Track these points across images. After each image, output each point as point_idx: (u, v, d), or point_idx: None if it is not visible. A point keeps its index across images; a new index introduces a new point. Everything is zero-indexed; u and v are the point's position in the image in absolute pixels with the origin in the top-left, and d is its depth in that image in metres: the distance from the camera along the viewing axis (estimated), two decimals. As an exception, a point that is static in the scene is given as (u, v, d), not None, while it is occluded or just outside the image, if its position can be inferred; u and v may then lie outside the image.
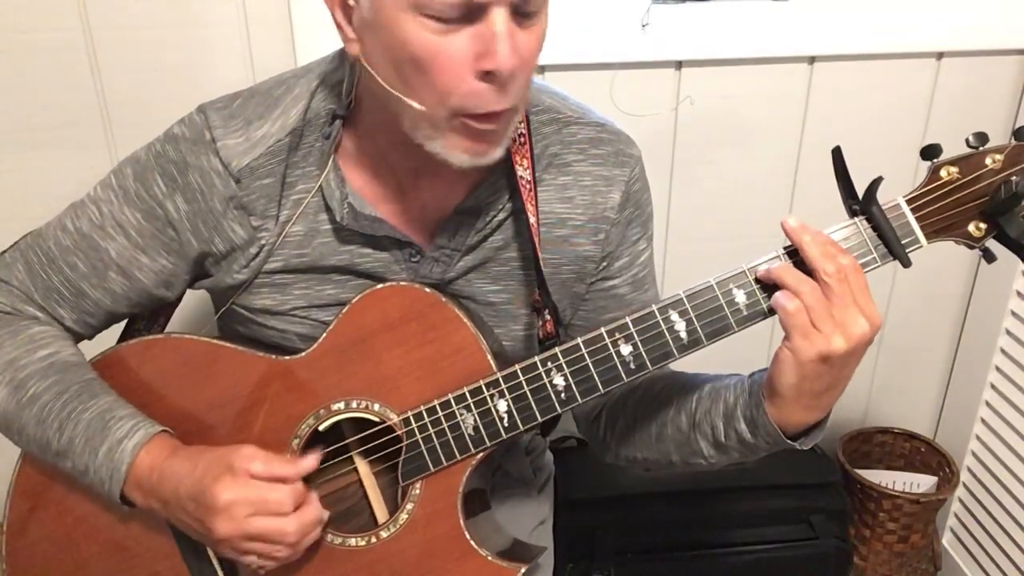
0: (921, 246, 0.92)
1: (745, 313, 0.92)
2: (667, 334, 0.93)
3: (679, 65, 1.62)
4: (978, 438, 1.87)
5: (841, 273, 0.86)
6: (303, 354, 1.01)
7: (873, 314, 0.88)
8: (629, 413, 1.12)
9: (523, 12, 0.83)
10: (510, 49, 0.82)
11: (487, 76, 0.83)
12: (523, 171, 1.01)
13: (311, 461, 0.98)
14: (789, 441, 0.95)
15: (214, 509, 0.93)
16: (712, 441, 1.02)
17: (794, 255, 0.90)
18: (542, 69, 1.58)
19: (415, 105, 0.86)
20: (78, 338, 1.10)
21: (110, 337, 1.13)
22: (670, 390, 1.07)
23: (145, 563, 1.05)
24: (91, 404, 1.00)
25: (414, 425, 0.99)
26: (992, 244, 0.93)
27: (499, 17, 0.81)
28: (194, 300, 1.22)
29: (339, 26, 0.90)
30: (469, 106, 0.85)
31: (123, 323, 1.15)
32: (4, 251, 1.08)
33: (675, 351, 0.93)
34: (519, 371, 0.96)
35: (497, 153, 0.91)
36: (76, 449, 0.98)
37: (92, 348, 1.08)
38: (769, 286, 0.91)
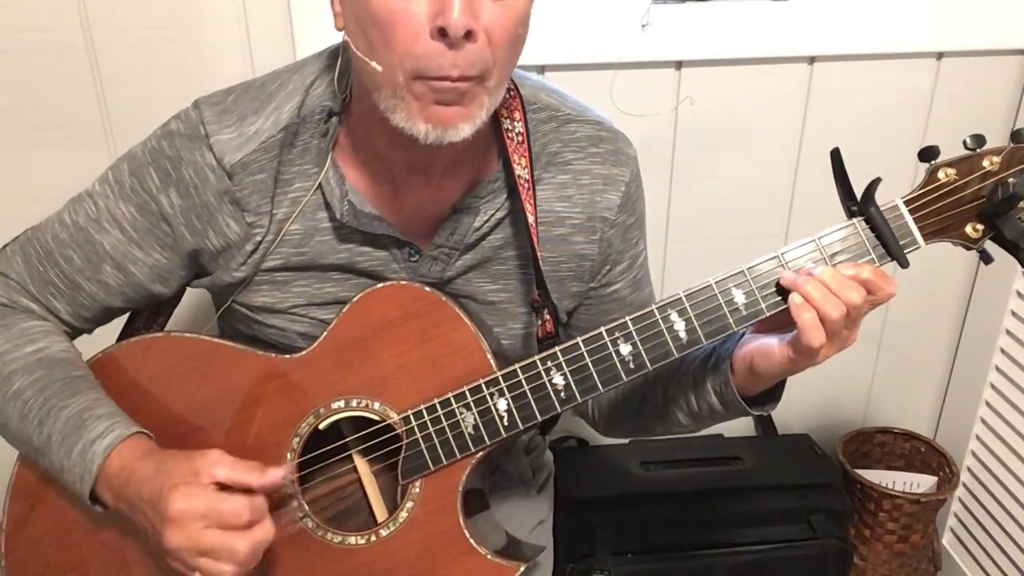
0: (919, 247, 0.92)
1: (744, 313, 0.93)
2: (666, 334, 0.93)
3: (679, 65, 1.62)
4: (978, 438, 1.87)
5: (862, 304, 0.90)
6: (303, 353, 1.02)
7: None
8: (611, 391, 1.13)
9: None
10: (463, 8, 0.81)
11: (441, 35, 0.82)
12: (521, 170, 1.01)
13: (280, 472, 0.95)
14: (754, 412, 1.01)
15: (166, 518, 0.90)
16: (687, 412, 1.07)
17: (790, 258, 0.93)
18: (542, 69, 1.58)
19: (375, 66, 0.86)
20: (75, 332, 1.10)
21: (110, 335, 1.13)
22: None
23: (142, 561, 1.05)
24: (71, 402, 0.99)
25: (414, 424, 0.99)
26: (989, 245, 0.94)
27: None
28: (194, 299, 1.22)
29: (331, 3, 0.91)
30: (422, 67, 0.84)
31: (122, 323, 1.16)
32: (6, 245, 1.09)
33: (674, 351, 0.94)
34: (519, 370, 0.96)
35: (463, 130, 0.88)
36: (53, 447, 0.98)
37: (91, 346, 1.09)
38: (769, 287, 0.92)
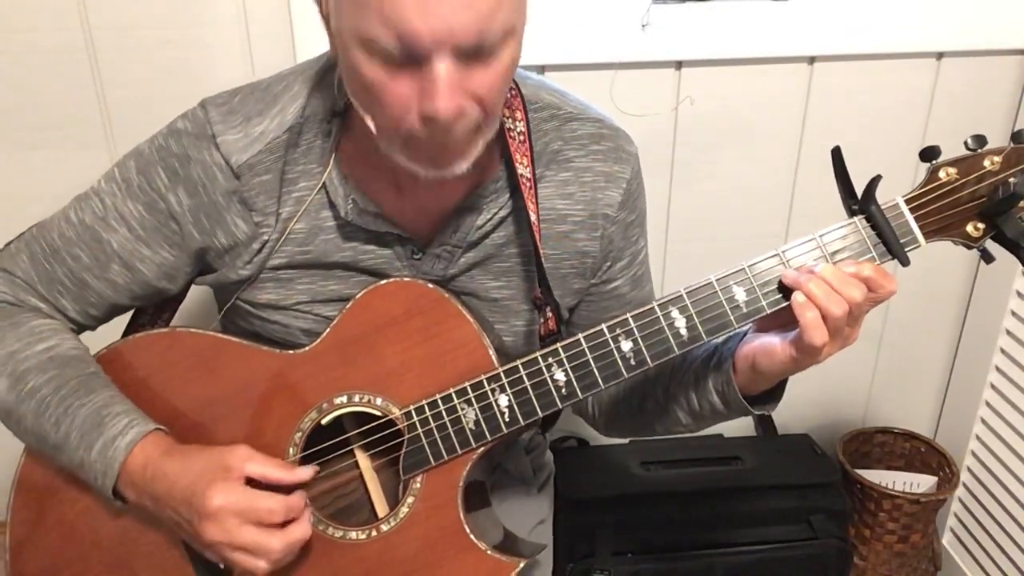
0: (919, 246, 0.93)
1: (745, 311, 0.93)
2: (667, 331, 0.94)
3: (679, 65, 1.63)
4: (978, 438, 1.87)
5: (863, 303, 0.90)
6: (306, 348, 1.02)
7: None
8: (611, 389, 1.13)
9: (473, 55, 0.81)
10: (450, 97, 0.80)
11: (427, 118, 0.82)
12: (523, 169, 1.01)
13: (308, 471, 0.99)
14: (755, 412, 1.01)
15: (204, 513, 0.93)
16: (687, 410, 1.07)
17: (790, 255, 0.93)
18: (542, 69, 1.58)
19: (370, 123, 0.88)
20: (81, 329, 1.10)
21: (115, 331, 1.13)
22: None
23: (149, 554, 1.05)
24: (88, 400, 1.00)
25: (415, 419, 0.99)
26: (990, 245, 0.94)
27: (440, 66, 0.79)
28: (199, 295, 1.22)
29: (327, 32, 0.91)
30: (414, 136, 0.85)
31: (127, 318, 1.16)
32: (10, 242, 1.09)
33: (675, 347, 0.94)
34: (520, 366, 0.96)
35: (462, 167, 0.90)
36: (72, 444, 0.99)
37: (96, 342, 1.09)
38: (770, 284, 0.92)
